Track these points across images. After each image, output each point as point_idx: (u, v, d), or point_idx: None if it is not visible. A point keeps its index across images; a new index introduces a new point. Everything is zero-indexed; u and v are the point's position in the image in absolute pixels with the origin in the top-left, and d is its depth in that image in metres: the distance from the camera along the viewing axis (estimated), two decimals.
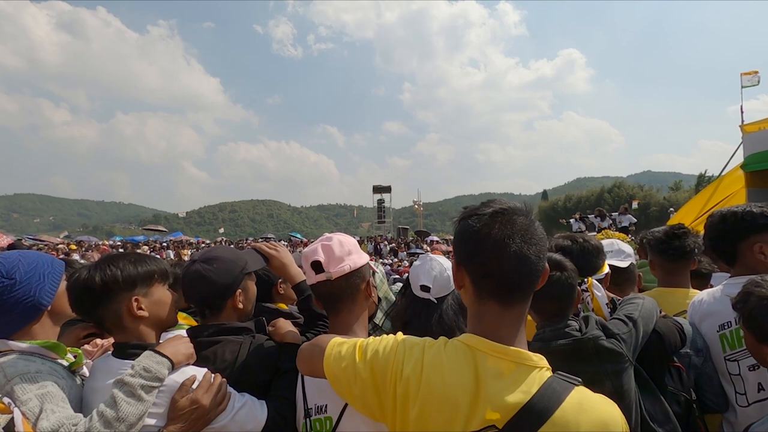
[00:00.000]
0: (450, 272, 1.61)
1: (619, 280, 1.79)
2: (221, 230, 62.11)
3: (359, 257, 1.30)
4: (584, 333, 1.24)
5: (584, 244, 1.47)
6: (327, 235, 1.32)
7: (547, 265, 0.88)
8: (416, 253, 16.69)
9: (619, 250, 1.87)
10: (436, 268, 1.59)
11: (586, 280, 1.40)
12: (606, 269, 1.51)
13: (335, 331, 1.22)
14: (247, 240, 26.49)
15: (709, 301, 1.60)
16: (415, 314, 1.58)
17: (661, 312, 1.45)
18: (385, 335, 1.02)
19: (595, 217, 14.43)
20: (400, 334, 1.02)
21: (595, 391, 0.86)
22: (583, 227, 13.84)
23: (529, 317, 1.68)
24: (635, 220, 13.28)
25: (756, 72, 14.09)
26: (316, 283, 1.23)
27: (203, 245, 21.11)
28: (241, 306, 1.37)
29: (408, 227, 34.55)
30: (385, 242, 22.36)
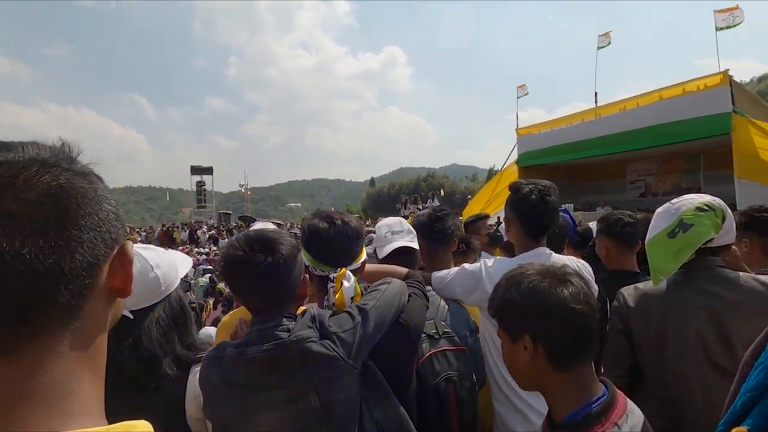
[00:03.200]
0: (162, 270, 1.15)
1: (410, 258, 1.63)
2: None
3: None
4: (290, 334, 0.97)
5: (343, 227, 1.18)
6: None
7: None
8: None
9: (409, 230, 1.71)
10: (136, 266, 1.11)
11: (337, 270, 1.14)
12: (363, 256, 1.26)
13: None
14: None
15: (493, 276, 1.52)
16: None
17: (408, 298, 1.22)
18: None
19: (412, 203, 15.84)
20: None
21: (299, 407, 0.82)
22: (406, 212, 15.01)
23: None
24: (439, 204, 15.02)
25: (526, 86, 17.65)
26: None
27: None
28: None
29: (231, 213, 31.93)
30: (204, 229, 20.05)
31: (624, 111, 13.29)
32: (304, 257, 1.20)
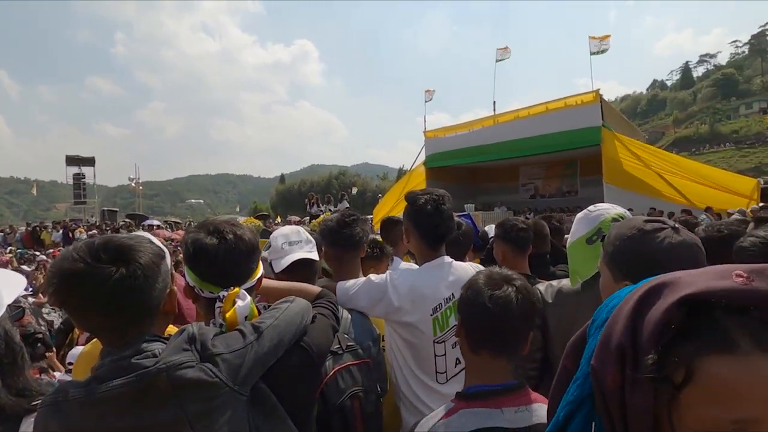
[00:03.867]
0: None
1: (309, 271, 1.51)
2: None
3: None
4: (158, 360, 0.80)
5: (235, 242, 1.02)
6: None
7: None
8: None
9: (308, 239, 1.58)
10: None
11: (227, 290, 0.98)
12: (260, 272, 1.12)
13: None
14: None
15: (418, 283, 1.53)
16: None
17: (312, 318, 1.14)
18: None
19: (324, 203, 15.37)
20: None
21: None
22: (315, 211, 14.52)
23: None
24: (348, 206, 14.82)
25: (433, 90, 18.53)
26: None
27: None
28: None
29: (117, 210, 28.38)
30: (82, 229, 17.44)
31: (517, 119, 14.68)
32: (187, 276, 1.05)
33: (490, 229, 3.22)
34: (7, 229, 17.32)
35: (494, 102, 16.77)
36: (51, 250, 13.74)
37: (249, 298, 0.99)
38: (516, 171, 18.62)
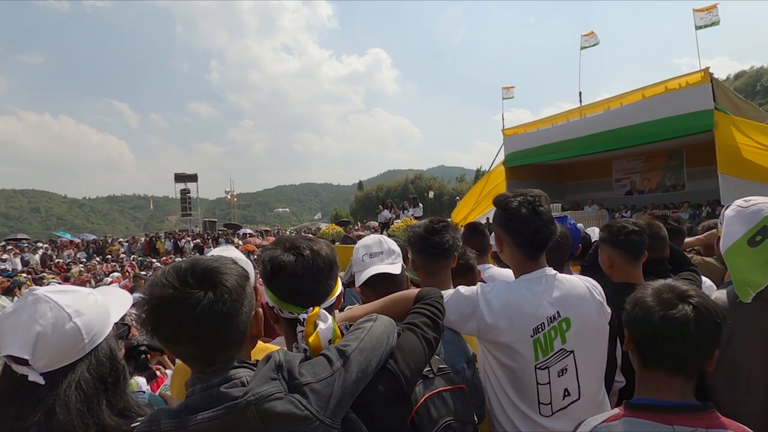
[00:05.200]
0: (85, 318, 0.93)
1: (390, 286, 1.38)
2: None
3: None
4: (246, 391, 0.75)
5: (313, 258, 0.96)
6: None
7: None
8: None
9: (389, 250, 1.46)
10: (48, 316, 0.89)
11: (309, 310, 0.91)
12: (338, 289, 1.03)
13: None
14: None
15: (516, 299, 1.33)
16: (5, 408, 0.87)
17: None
18: None
19: (401, 209, 15.19)
20: None
21: None
22: (389, 216, 14.52)
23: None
24: (421, 213, 14.47)
25: (511, 87, 17.68)
26: None
27: None
28: None
29: (216, 220, 31.31)
30: (188, 238, 19.52)
31: (608, 110, 13.34)
32: (266, 296, 1.01)
33: (593, 232, 2.87)
34: (131, 240, 20.02)
35: (580, 93, 15.49)
36: (164, 258, 15.61)
37: (330, 319, 0.92)
38: (608, 165, 16.98)
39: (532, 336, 1.31)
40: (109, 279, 10.66)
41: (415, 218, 11.89)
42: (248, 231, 22.94)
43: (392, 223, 11.18)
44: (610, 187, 17.19)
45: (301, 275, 0.95)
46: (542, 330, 1.32)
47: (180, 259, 15.49)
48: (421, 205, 15.10)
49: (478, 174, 53.17)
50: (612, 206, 14.54)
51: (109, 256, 16.78)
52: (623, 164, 16.85)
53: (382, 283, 1.40)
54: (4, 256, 14.71)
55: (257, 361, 0.84)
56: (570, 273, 1.76)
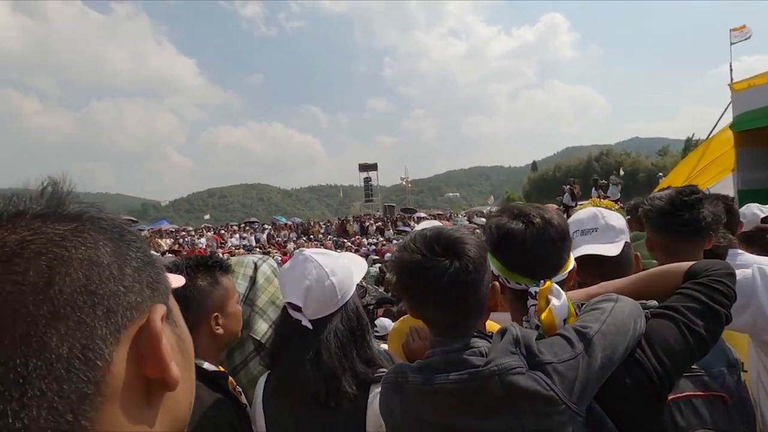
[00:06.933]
0: (338, 278, 1.09)
1: (605, 270, 1.18)
2: (206, 216, 61.06)
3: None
4: (488, 361, 0.74)
5: (544, 227, 0.90)
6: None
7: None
8: (404, 231, 16.31)
9: (606, 227, 1.25)
10: (313, 274, 1.08)
11: (540, 283, 0.87)
12: (571, 264, 0.95)
13: None
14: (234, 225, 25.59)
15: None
16: (285, 345, 1.10)
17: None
18: None
19: (574, 194, 13.46)
20: None
21: None
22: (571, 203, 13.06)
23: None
24: (618, 195, 12.54)
25: (744, 26, 13.62)
26: None
27: (183, 233, 20.35)
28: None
29: (395, 205, 33.77)
30: (371, 221, 21.87)
31: None
32: (492, 264, 0.99)
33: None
34: (327, 223, 23.61)
35: None
36: (353, 238, 17.92)
37: (564, 296, 0.87)
38: None
39: None
40: None
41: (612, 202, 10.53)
42: (422, 214, 24.19)
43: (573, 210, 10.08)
44: None
45: (531, 244, 0.91)
46: None
47: (366, 239, 17.55)
48: (618, 187, 13.18)
49: (689, 144, 43.11)
50: None
51: (312, 237, 20.12)
52: None
53: (592, 267, 1.21)
54: (244, 235, 19.51)
55: (491, 333, 0.85)
56: None
